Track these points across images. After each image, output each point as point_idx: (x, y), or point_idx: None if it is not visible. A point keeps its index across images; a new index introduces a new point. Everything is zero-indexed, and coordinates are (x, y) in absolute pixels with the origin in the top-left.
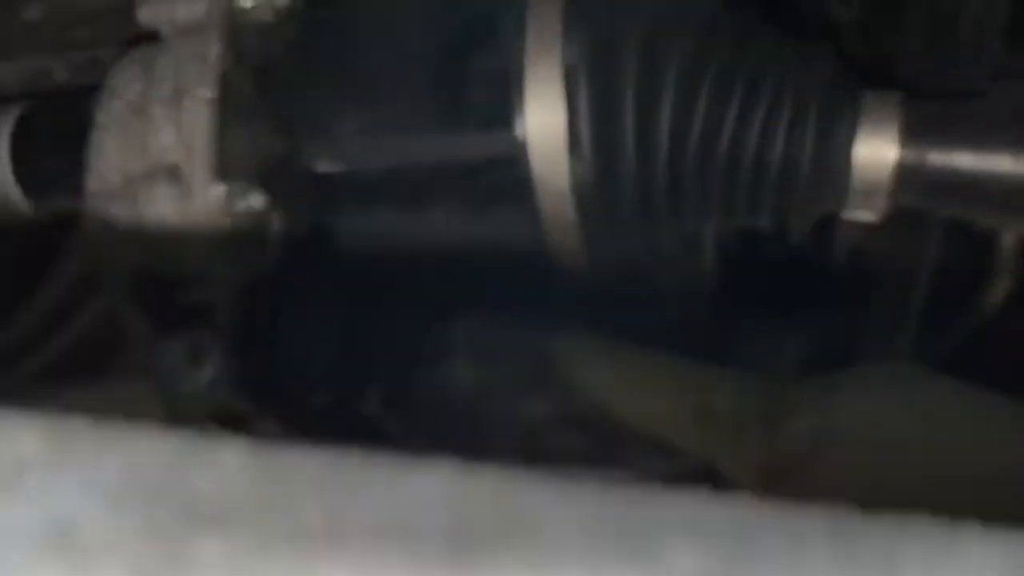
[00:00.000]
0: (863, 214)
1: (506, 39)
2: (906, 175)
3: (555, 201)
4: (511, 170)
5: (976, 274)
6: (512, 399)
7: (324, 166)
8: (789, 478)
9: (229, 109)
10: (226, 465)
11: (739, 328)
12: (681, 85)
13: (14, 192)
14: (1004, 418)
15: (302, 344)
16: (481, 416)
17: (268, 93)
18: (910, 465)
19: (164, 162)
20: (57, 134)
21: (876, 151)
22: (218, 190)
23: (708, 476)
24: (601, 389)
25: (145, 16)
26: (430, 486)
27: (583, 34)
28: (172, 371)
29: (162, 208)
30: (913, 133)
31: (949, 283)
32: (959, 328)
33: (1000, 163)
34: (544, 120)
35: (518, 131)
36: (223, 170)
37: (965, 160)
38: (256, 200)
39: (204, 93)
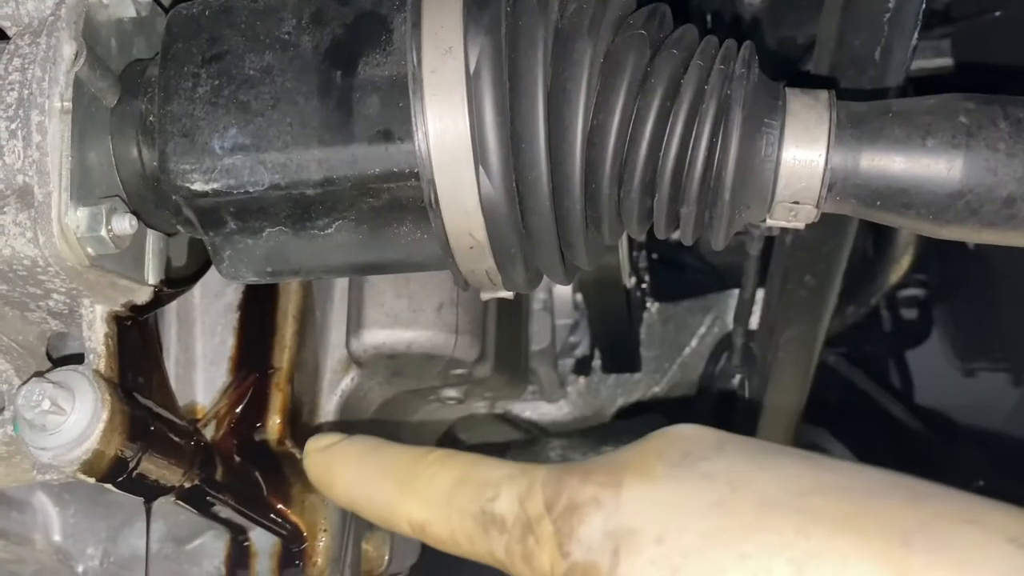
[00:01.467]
0: (789, 223)
1: (399, 41)
2: (836, 181)
3: (461, 218)
4: (410, 186)
5: (879, 256)
6: None
7: (199, 184)
8: None
9: (87, 120)
10: None
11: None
12: (595, 88)
13: None
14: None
15: None
16: None
17: (132, 101)
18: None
19: (12, 185)
20: None
21: (805, 156)
22: (78, 214)
23: None
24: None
25: None
26: None
27: (487, 34)
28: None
29: (12, 238)
30: (844, 136)
31: (858, 264)
32: (861, 304)
33: (935, 168)
34: (446, 130)
35: (417, 143)
36: (83, 191)
37: (898, 165)
38: (123, 223)
39: (56, 102)
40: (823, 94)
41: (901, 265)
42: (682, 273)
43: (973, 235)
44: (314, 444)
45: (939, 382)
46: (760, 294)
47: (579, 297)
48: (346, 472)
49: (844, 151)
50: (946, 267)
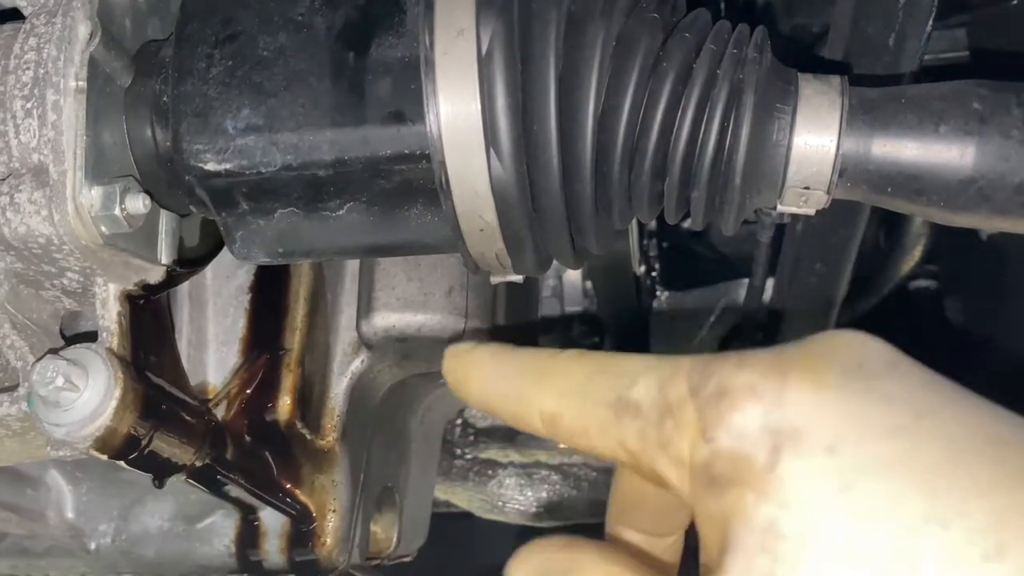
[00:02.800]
0: (800, 208)
1: (411, 23)
2: (848, 167)
3: (472, 201)
4: (421, 168)
5: (890, 246)
6: None
7: (212, 164)
8: (739, 494)
9: (101, 100)
10: None
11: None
12: (607, 71)
13: None
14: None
15: None
16: None
17: (146, 81)
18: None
19: (27, 163)
20: None
21: (816, 141)
22: (93, 193)
23: None
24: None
25: None
26: None
27: (499, 16)
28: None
29: (27, 216)
30: (856, 122)
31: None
32: (873, 293)
33: (947, 154)
34: (457, 112)
35: (429, 125)
36: (97, 170)
37: (910, 151)
38: (137, 202)
39: (71, 82)
40: (836, 80)
41: (913, 256)
42: (692, 261)
43: (985, 222)
44: (451, 350)
45: (948, 374)
46: (770, 282)
47: (588, 284)
48: (480, 370)
49: (856, 137)
50: (958, 258)
